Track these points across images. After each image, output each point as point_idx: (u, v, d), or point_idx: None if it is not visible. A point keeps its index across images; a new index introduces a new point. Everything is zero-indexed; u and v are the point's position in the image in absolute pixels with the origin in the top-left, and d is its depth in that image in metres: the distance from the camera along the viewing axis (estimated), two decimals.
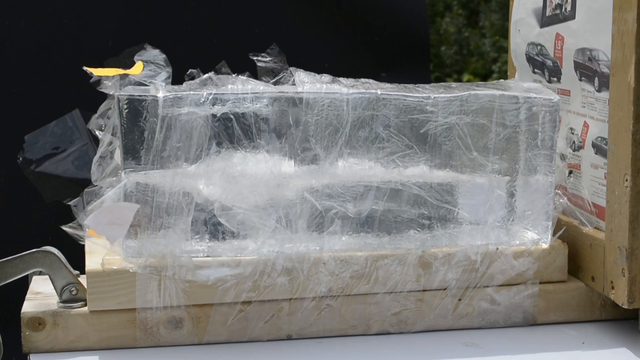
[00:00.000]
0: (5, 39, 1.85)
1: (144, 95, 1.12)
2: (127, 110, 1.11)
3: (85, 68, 1.17)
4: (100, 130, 1.18)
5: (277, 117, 1.14)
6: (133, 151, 1.12)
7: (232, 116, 1.13)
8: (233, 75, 1.17)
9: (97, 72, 1.16)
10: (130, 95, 1.11)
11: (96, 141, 1.21)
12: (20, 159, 1.21)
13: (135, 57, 1.18)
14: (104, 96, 1.19)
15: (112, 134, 1.17)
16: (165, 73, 1.15)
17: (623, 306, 1.14)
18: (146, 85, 1.15)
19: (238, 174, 1.13)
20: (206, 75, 1.17)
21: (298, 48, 1.97)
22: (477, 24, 6.09)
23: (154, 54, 1.17)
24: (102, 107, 1.17)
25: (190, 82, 1.16)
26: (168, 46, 1.24)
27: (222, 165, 1.13)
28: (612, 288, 1.16)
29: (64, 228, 1.16)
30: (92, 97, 1.21)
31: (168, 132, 1.12)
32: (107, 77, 1.15)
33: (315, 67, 1.25)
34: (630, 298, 1.13)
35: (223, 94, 1.13)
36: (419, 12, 2.15)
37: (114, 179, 1.16)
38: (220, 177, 1.13)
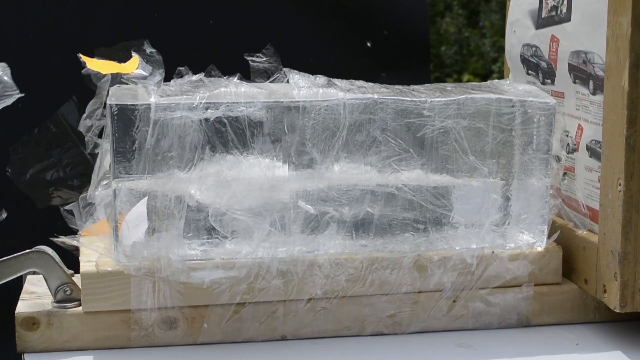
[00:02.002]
0: (4, 38, 1.85)
1: (136, 103, 1.11)
2: (118, 117, 1.11)
3: (79, 55, 1.16)
4: (88, 132, 1.18)
5: (272, 121, 1.14)
6: (124, 158, 1.12)
7: (225, 120, 1.13)
8: (224, 77, 1.17)
9: (90, 63, 1.16)
10: (122, 103, 1.11)
11: (82, 141, 1.21)
12: (9, 171, 1.22)
13: (132, 50, 1.18)
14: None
15: (103, 139, 1.17)
16: (158, 75, 1.15)
17: (615, 310, 1.14)
18: (135, 84, 1.15)
19: (232, 178, 1.13)
20: (196, 76, 1.17)
21: (297, 48, 1.97)
22: (477, 24, 6.09)
23: (150, 52, 1.17)
24: (90, 107, 1.17)
25: (179, 80, 1.16)
26: (163, 44, 1.24)
27: (216, 169, 1.13)
28: (605, 291, 1.16)
29: (58, 239, 1.16)
30: (90, 96, 1.21)
31: (160, 137, 1.12)
32: (100, 74, 1.15)
33: (314, 67, 1.25)
34: (622, 302, 1.13)
35: (217, 99, 1.13)
36: (419, 12, 2.15)
37: (105, 183, 1.17)
38: (214, 182, 1.13)
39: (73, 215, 1.19)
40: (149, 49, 1.17)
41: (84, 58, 1.16)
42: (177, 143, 1.12)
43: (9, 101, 1.11)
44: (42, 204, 1.22)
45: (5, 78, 1.14)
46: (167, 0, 1.97)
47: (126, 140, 1.11)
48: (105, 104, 1.15)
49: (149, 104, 1.11)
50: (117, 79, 1.16)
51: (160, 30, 1.93)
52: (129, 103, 1.11)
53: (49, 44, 1.87)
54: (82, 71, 1.17)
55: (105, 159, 1.17)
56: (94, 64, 1.16)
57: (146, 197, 1.12)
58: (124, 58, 1.17)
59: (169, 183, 1.12)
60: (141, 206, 1.12)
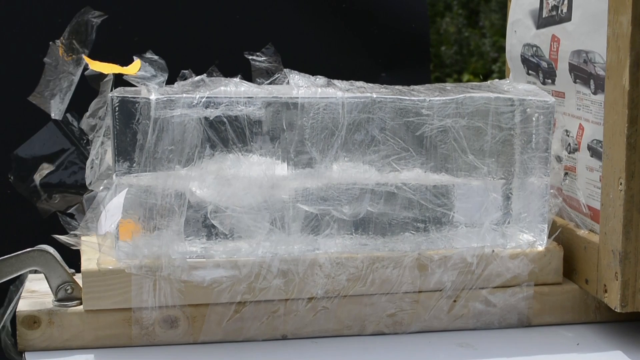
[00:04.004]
0: (5, 41, 1.85)
1: (137, 97, 1.12)
2: (119, 112, 1.11)
3: (84, 57, 1.17)
4: (92, 130, 1.18)
5: (271, 120, 1.15)
6: (125, 153, 1.12)
7: (225, 119, 1.13)
8: (225, 78, 1.17)
9: (93, 65, 1.16)
10: (123, 96, 1.12)
11: (83, 145, 1.21)
12: (12, 177, 1.22)
13: (135, 56, 1.18)
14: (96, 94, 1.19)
15: (104, 135, 1.17)
16: (160, 77, 1.16)
17: (616, 310, 1.14)
18: (136, 86, 1.15)
19: (231, 177, 1.14)
20: (198, 77, 1.17)
21: (298, 48, 1.97)
22: (477, 24, 6.09)
23: (154, 58, 1.17)
24: (93, 106, 1.18)
25: (182, 82, 1.16)
26: (163, 44, 1.24)
27: (216, 167, 1.13)
28: (605, 291, 1.16)
29: (60, 237, 1.16)
30: (89, 97, 1.21)
31: (160, 134, 1.12)
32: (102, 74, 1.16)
33: (314, 67, 1.25)
34: (623, 302, 1.13)
35: (216, 96, 1.13)
36: (419, 12, 2.15)
37: (106, 180, 1.17)
38: (214, 180, 1.13)
39: (74, 219, 1.20)
40: (152, 56, 1.17)
41: (86, 60, 1.17)
42: (177, 141, 1.12)
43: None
44: (45, 213, 1.23)
45: None
46: (167, 2, 1.97)
47: (127, 134, 1.12)
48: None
49: (149, 98, 1.11)
50: (121, 77, 1.16)
51: (161, 32, 1.93)
52: (130, 96, 1.12)
53: (44, 43, 1.86)
54: (85, 72, 1.17)
55: (106, 155, 1.17)
56: (97, 66, 1.16)
57: (126, 189, 1.12)
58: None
59: (169, 179, 1.12)
60: (120, 197, 1.12)
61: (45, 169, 1.22)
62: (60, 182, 1.23)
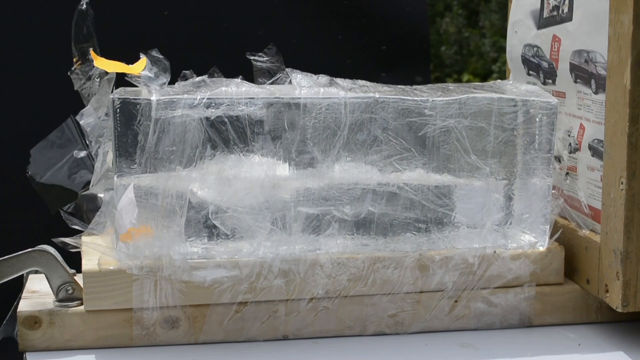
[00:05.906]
0: (4, 40, 1.86)
1: (138, 99, 1.12)
2: (120, 113, 1.11)
3: (91, 52, 1.16)
4: (92, 131, 1.18)
5: (273, 120, 1.14)
6: (126, 154, 1.12)
7: (226, 119, 1.13)
8: (226, 79, 1.17)
9: (98, 62, 1.16)
10: (124, 98, 1.12)
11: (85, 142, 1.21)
12: (29, 173, 1.22)
13: (141, 53, 1.18)
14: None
15: (105, 136, 1.17)
16: (163, 78, 1.15)
17: (617, 309, 1.14)
18: (137, 86, 1.15)
19: (233, 177, 1.14)
20: (199, 78, 1.17)
21: (297, 48, 1.97)
22: (477, 24, 6.09)
23: (158, 58, 1.17)
24: (93, 104, 1.17)
25: (182, 82, 1.16)
26: (165, 44, 1.24)
27: (217, 168, 1.13)
28: (607, 291, 1.16)
29: (59, 240, 1.16)
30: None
31: (161, 134, 1.12)
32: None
33: (314, 67, 1.25)
34: (624, 301, 1.13)
35: (217, 97, 1.13)
36: (419, 12, 2.15)
37: (106, 181, 1.17)
38: (215, 180, 1.13)
39: (75, 217, 1.20)
40: (157, 55, 1.17)
41: (92, 56, 1.16)
42: (178, 141, 1.12)
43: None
44: (54, 209, 1.23)
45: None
46: (169, 2, 1.97)
47: (128, 135, 1.12)
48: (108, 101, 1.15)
49: (151, 100, 1.11)
50: (123, 76, 1.16)
51: (162, 31, 1.93)
52: (131, 97, 1.11)
53: (45, 44, 1.87)
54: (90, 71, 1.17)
55: (107, 156, 1.17)
56: (102, 63, 1.16)
57: (132, 184, 1.11)
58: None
59: (170, 180, 1.12)
60: (129, 192, 1.12)
61: (57, 166, 1.22)
62: (65, 181, 1.23)
